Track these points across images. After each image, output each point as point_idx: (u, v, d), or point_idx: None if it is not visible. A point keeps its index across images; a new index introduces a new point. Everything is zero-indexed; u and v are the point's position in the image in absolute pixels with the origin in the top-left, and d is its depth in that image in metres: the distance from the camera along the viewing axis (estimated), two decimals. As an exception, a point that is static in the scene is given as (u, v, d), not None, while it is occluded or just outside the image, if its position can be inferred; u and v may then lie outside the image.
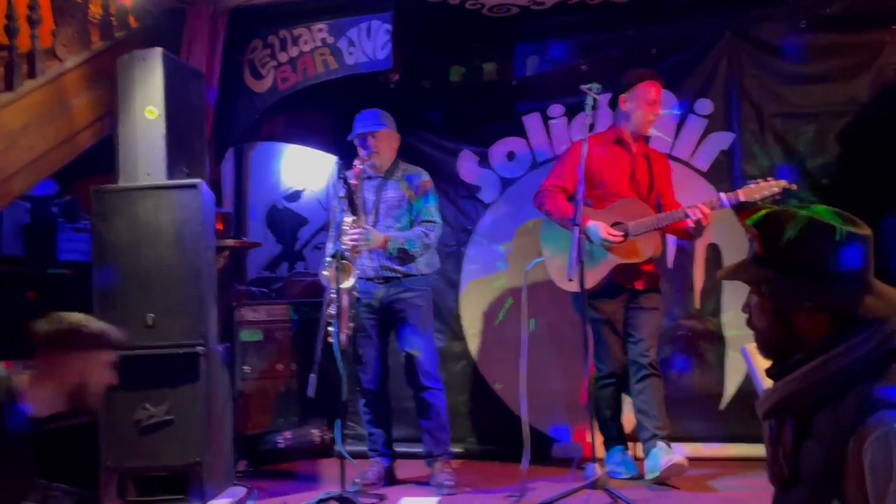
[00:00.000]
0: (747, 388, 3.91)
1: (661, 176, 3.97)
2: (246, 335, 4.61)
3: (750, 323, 1.65)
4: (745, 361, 1.78)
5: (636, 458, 3.96)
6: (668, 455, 3.66)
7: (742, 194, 3.56)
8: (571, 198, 3.93)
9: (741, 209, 1.46)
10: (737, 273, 1.64)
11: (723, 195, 3.64)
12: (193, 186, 3.67)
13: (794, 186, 3.55)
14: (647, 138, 4.08)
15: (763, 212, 1.57)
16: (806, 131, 4.29)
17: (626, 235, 3.82)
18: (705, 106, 4.45)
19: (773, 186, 3.51)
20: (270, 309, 4.73)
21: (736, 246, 4.24)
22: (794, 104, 4.32)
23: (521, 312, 3.58)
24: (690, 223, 3.67)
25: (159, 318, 3.60)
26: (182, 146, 3.83)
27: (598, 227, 3.80)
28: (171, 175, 3.71)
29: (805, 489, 1.50)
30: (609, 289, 3.88)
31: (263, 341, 4.64)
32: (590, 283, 3.81)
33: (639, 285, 3.90)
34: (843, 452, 1.42)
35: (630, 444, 4.04)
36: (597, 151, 3.89)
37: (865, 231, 1.52)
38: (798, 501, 1.52)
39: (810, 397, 1.50)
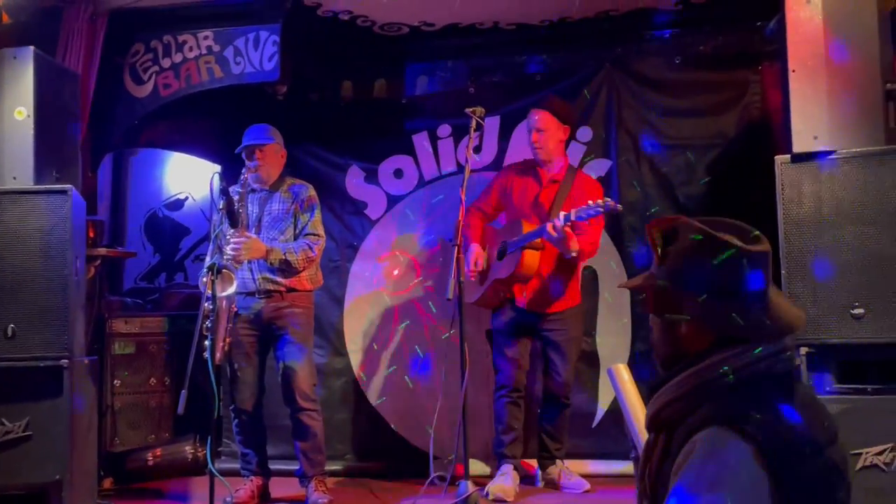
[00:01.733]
0: (617, 406, 4.06)
1: (578, 199, 3.92)
2: (118, 348, 4.46)
3: (650, 338, 1.64)
4: (611, 382, 1.85)
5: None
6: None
7: (573, 213, 3.69)
8: (490, 219, 4.22)
9: (653, 223, 1.48)
10: (634, 282, 1.64)
11: (562, 213, 3.75)
12: (63, 192, 3.53)
13: (619, 208, 3.67)
14: (573, 167, 4.19)
15: (666, 221, 1.57)
16: (677, 162, 4.53)
17: (502, 253, 3.95)
18: (585, 133, 4.62)
19: (597, 206, 3.63)
20: (145, 321, 4.59)
21: (609, 272, 4.45)
22: (667, 136, 4.56)
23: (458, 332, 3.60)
24: (550, 235, 3.76)
25: (21, 328, 3.44)
26: (53, 150, 3.69)
27: (472, 251, 4.02)
28: (39, 179, 3.56)
29: None
30: (505, 304, 4.08)
31: (136, 354, 4.50)
32: (471, 297, 4.04)
33: (524, 303, 3.99)
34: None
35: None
36: (513, 178, 4.14)
37: (760, 248, 1.49)
38: None
39: (675, 411, 1.47)
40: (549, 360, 4.07)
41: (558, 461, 4.10)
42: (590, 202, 3.63)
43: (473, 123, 3.64)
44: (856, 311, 3.10)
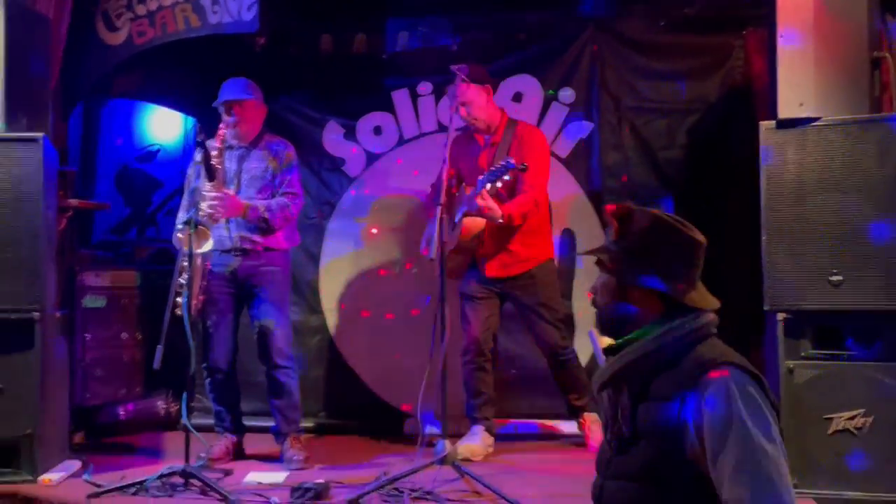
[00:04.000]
0: (592, 367, 4.09)
1: (515, 157, 3.79)
2: (89, 301, 4.38)
3: (595, 302, 1.90)
4: (592, 343, 1.89)
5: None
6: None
7: (482, 179, 3.66)
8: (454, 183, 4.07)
9: (612, 208, 1.77)
10: (595, 251, 1.90)
11: (479, 178, 3.71)
12: (34, 140, 3.45)
13: (522, 166, 3.58)
14: (511, 122, 4.06)
15: (624, 206, 1.85)
16: (658, 125, 4.52)
17: (452, 222, 3.91)
18: (568, 94, 4.58)
19: (500, 169, 3.57)
20: (116, 274, 4.52)
21: (588, 233, 4.45)
22: (649, 98, 4.53)
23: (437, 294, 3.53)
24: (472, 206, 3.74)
25: (-10, 280, 3.37)
26: (23, 96, 3.59)
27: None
28: (9, 127, 3.47)
29: (646, 444, 1.72)
30: (471, 268, 4.04)
31: (107, 308, 4.43)
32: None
33: (486, 271, 3.98)
34: (681, 408, 1.66)
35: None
36: (459, 149, 4.04)
37: (701, 238, 1.82)
38: (642, 456, 1.72)
39: (645, 366, 1.75)
40: (528, 326, 4.06)
41: (585, 415, 4.05)
42: (494, 165, 3.62)
43: (457, 81, 3.57)
44: (834, 279, 3.13)
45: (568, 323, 4.26)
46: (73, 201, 4.20)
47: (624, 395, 1.78)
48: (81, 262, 4.46)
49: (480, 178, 3.67)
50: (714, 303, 1.82)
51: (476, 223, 3.89)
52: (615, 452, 1.80)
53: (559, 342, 3.99)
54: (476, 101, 3.93)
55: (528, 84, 4.60)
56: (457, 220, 3.90)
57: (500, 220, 3.75)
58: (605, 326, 1.88)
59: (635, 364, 1.76)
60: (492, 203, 3.69)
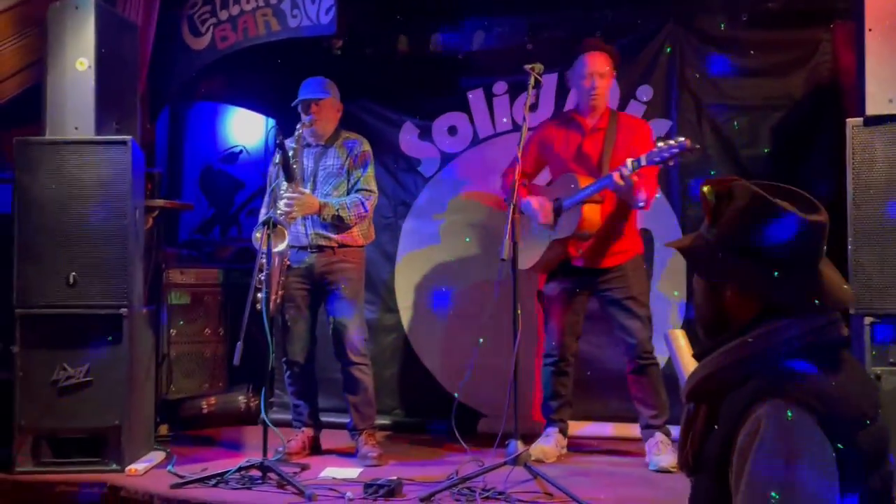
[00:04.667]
0: (670, 371, 4.01)
1: (624, 147, 3.77)
2: (174, 298, 4.54)
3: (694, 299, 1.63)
4: (668, 346, 1.81)
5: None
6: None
7: (644, 158, 3.49)
8: (529, 178, 4.01)
9: (708, 182, 1.46)
10: (682, 241, 1.62)
11: (629, 160, 3.54)
12: (123, 143, 3.59)
13: (696, 146, 3.46)
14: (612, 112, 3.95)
15: (723, 181, 1.53)
16: (740, 123, 4.38)
17: (558, 211, 3.85)
18: (646, 92, 4.51)
19: (671, 147, 3.40)
20: (200, 272, 4.67)
21: (665, 234, 4.37)
22: (730, 96, 4.41)
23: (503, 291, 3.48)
24: (618, 185, 3.58)
25: (82, 276, 3.54)
26: (113, 101, 3.74)
27: (531, 202, 3.86)
28: (100, 130, 3.62)
29: (704, 478, 1.49)
30: (559, 267, 3.92)
31: (191, 305, 4.58)
32: (526, 263, 3.88)
33: (580, 260, 3.84)
34: (732, 441, 1.40)
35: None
36: (552, 134, 3.96)
37: (818, 217, 1.45)
38: (701, 490, 1.50)
39: (720, 381, 1.47)
40: (615, 321, 3.86)
41: (657, 432, 3.76)
42: (660, 144, 3.43)
43: (532, 80, 3.55)
44: (925, 281, 3.00)
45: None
46: (160, 201, 4.35)
47: (701, 415, 1.52)
48: (167, 260, 4.62)
49: (635, 158, 3.46)
50: (835, 302, 1.45)
51: (597, 213, 3.73)
52: (688, 477, 1.57)
53: (645, 343, 3.79)
54: (608, 76, 3.87)
55: (605, 82, 4.54)
56: (566, 204, 3.76)
57: (641, 204, 3.65)
58: (700, 328, 1.61)
59: (709, 380, 1.49)
60: (641, 183, 3.57)
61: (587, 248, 3.85)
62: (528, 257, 3.93)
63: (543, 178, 4.18)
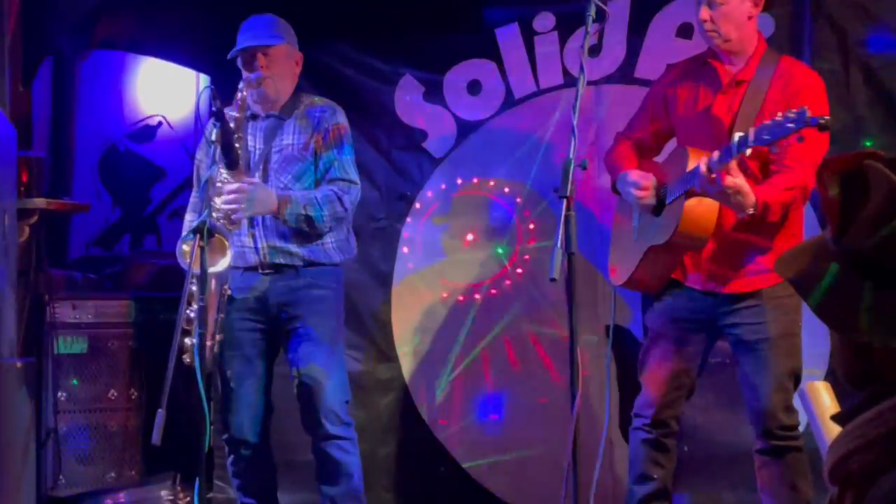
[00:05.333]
0: (809, 439, 3.97)
1: (776, 109, 3.52)
2: (64, 345, 4.56)
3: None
4: (803, 405, 1.77)
5: None
6: None
7: (751, 134, 3.33)
8: (651, 151, 3.99)
9: (828, 164, 1.34)
10: (795, 261, 1.57)
11: (737, 134, 3.39)
12: (-18, 116, 3.59)
13: (824, 121, 3.34)
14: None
15: (853, 164, 1.45)
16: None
17: (661, 202, 3.76)
18: (764, 24, 4.46)
19: (787, 119, 3.24)
20: (102, 305, 4.69)
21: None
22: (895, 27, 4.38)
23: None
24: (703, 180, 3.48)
25: (-76, 316, 3.53)
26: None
27: (629, 174, 3.80)
28: (-53, 97, 3.62)
29: None
30: (667, 286, 3.86)
31: (89, 355, 4.60)
32: (620, 275, 3.91)
33: (697, 279, 3.76)
34: None
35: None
36: (677, 82, 3.92)
37: None
38: None
39: (862, 462, 1.46)
40: (740, 373, 3.79)
41: None
42: (778, 114, 3.30)
43: (592, 9, 3.53)
44: None
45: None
46: (40, 201, 4.35)
47: (850, 495, 1.49)
48: (53, 287, 4.62)
49: (744, 133, 3.37)
50: None
51: (710, 209, 3.64)
52: None
53: (781, 414, 3.66)
54: (732, 2, 3.71)
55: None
56: (669, 199, 3.70)
57: (751, 211, 3.53)
58: (843, 379, 1.59)
59: (854, 456, 1.46)
60: (743, 182, 3.45)
61: (709, 260, 3.79)
62: (622, 268, 3.93)
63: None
